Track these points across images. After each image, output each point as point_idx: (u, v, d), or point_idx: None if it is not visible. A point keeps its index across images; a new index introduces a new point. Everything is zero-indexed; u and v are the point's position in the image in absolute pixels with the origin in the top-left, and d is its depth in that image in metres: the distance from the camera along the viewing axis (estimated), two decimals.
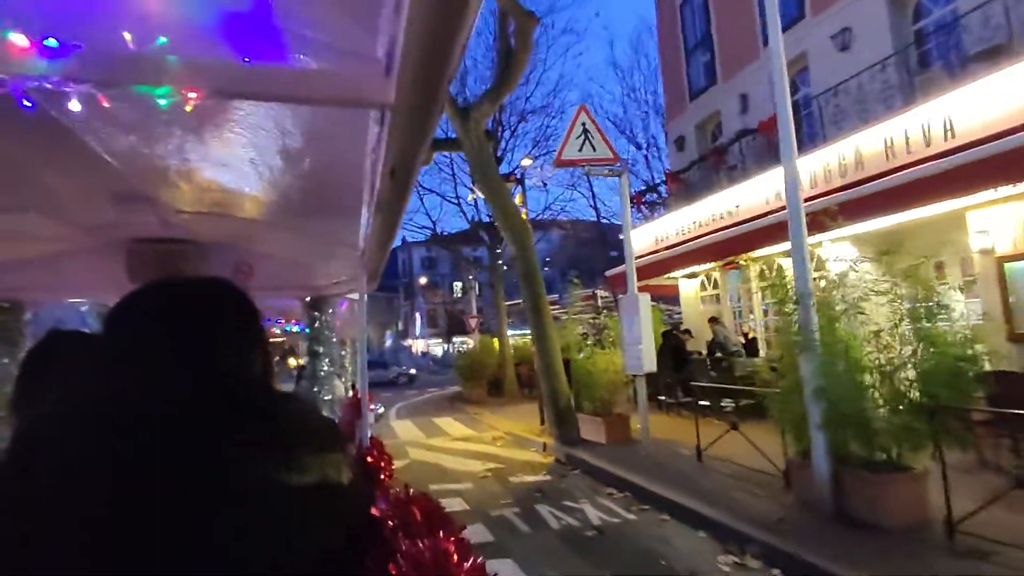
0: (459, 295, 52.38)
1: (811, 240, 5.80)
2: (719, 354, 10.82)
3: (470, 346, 19.46)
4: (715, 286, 14.29)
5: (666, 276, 13.45)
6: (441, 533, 1.17)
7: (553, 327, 10.26)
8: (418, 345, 49.08)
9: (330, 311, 4.04)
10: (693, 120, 16.92)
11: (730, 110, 15.20)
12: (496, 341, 19.86)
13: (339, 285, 3.58)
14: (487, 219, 20.39)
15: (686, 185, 15.78)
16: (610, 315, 12.66)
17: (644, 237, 15.26)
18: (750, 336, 11.76)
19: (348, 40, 1.14)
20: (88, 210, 2.64)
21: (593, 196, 26.63)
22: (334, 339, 4.25)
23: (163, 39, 1.02)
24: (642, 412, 8.43)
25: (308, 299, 3.79)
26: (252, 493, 0.76)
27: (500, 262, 20.46)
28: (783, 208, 8.61)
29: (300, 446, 0.84)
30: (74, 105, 1.02)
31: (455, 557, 1.09)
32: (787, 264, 6.02)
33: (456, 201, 21.96)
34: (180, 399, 0.77)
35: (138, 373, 0.78)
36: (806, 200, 8.25)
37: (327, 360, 4.08)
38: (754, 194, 11.32)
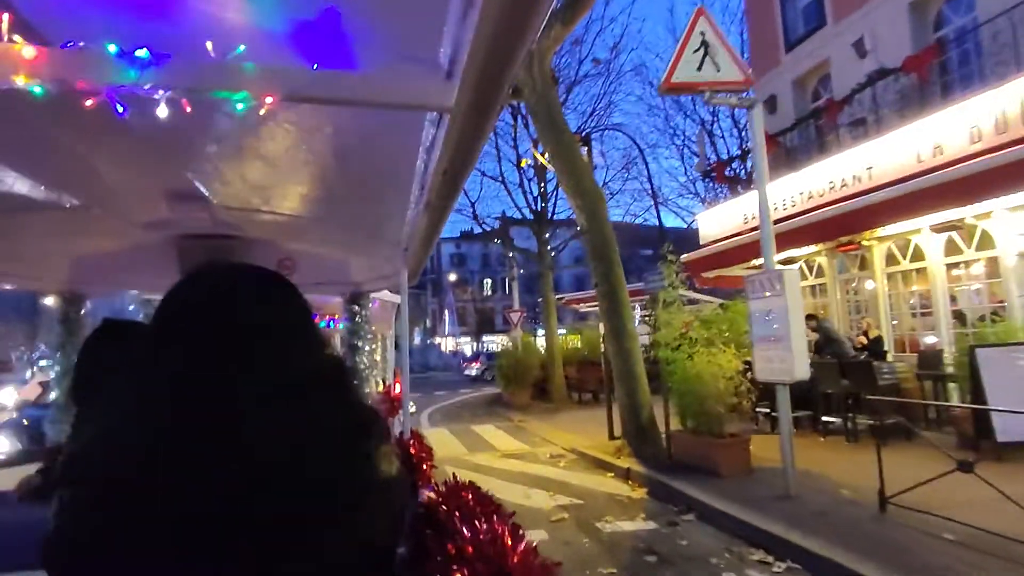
0: (489, 292, 52.39)
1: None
2: (830, 358, 8.75)
3: (509, 345, 17.03)
4: (818, 274, 11.79)
5: (748, 264, 11.05)
6: (495, 517, 1.23)
7: (633, 320, 8.46)
8: (447, 343, 49.14)
9: (368, 306, 4.16)
10: (790, 75, 14.17)
11: (843, 57, 12.27)
12: (538, 340, 18.34)
13: (379, 281, 3.68)
14: (535, 200, 18.48)
15: (785, 151, 13.05)
16: (700, 308, 11.31)
17: (724, 218, 13.00)
18: (872, 335, 9.63)
19: (412, 45, 1.21)
20: (144, 207, 2.78)
21: (650, 178, 21.18)
22: (370, 333, 4.37)
23: (241, 47, 1.10)
24: (785, 435, 5.76)
25: (348, 294, 3.91)
26: (323, 488, 0.77)
27: (549, 248, 18.38)
28: (948, 164, 7.34)
29: (360, 439, 0.85)
30: (162, 111, 1.11)
31: (509, 540, 1.15)
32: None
33: (500, 179, 19.11)
34: (250, 395, 0.76)
35: (200, 372, 0.77)
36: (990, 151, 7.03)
37: (364, 355, 4.19)
38: (896, 152, 8.93)
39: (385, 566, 0.92)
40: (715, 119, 23.67)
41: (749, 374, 6.63)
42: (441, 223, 2.20)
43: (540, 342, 19.01)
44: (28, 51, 1.02)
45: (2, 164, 1.89)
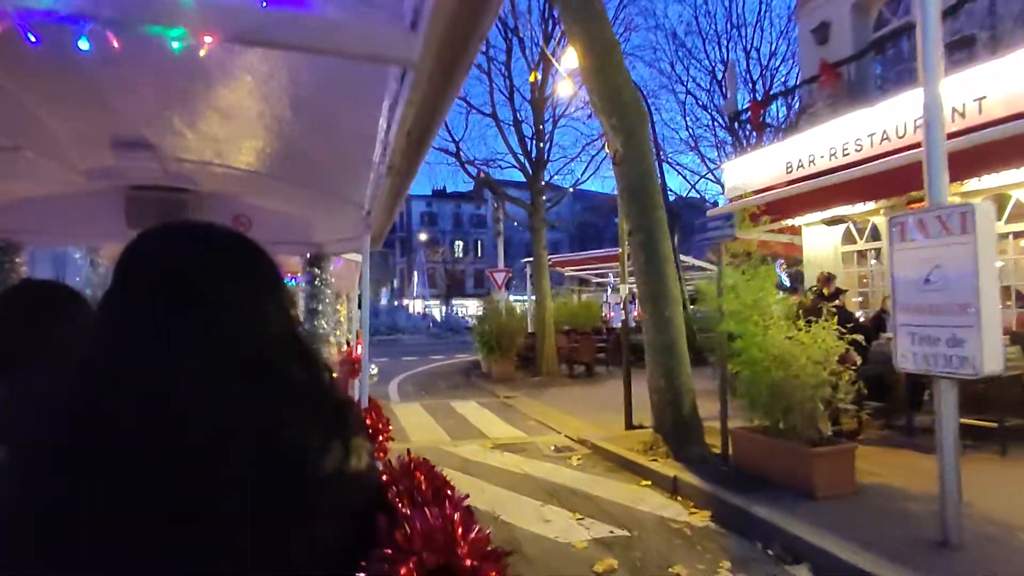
0: (460, 255, 52.02)
1: None
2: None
3: (488, 308, 15.07)
4: (873, 236, 9.67)
5: (782, 224, 9.34)
6: (446, 503, 1.18)
7: (677, 280, 6.64)
8: (416, 305, 48.84)
9: (329, 268, 4.03)
10: None
11: None
12: (524, 305, 16.13)
13: (341, 243, 3.55)
14: (530, 141, 15.79)
15: (844, 87, 10.75)
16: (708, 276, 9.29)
17: (761, 167, 10.65)
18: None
19: None
20: (87, 154, 2.59)
21: (654, 132, 16.84)
22: (331, 296, 4.25)
23: None
24: (949, 456, 3.84)
25: (308, 256, 3.77)
26: (298, 488, 0.72)
27: (545, 198, 15.99)
28: None
29: (336, 430, 0.80)
30: (83, 44, 0.97)
31: (460, 527, 1.10)
32: None
33: (491, 114, 16.01)
34: (198, 376, 0.71)
35: (143, 346, 0.71)
36: None
37: (324, 318, 4.08)
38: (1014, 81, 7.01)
39: (345, 564, 0.87)
40: (749, 56, 21.42)
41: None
42: (406, 186, 2.09)
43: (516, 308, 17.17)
44: None
45: None
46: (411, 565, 0.96)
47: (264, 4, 1.03)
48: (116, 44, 0.99)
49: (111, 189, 2.99)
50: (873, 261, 9.96)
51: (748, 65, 21.74)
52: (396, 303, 48.81)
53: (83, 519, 0.64)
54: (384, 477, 1.39)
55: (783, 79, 21.89)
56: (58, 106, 2.03)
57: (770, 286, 5.56)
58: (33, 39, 0.94)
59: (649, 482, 5.55)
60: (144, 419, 0.66)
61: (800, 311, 5.72)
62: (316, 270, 3.78)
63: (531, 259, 17.90)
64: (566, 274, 22.48)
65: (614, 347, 13.99)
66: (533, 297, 17.68)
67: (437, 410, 9.78)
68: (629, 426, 7.49)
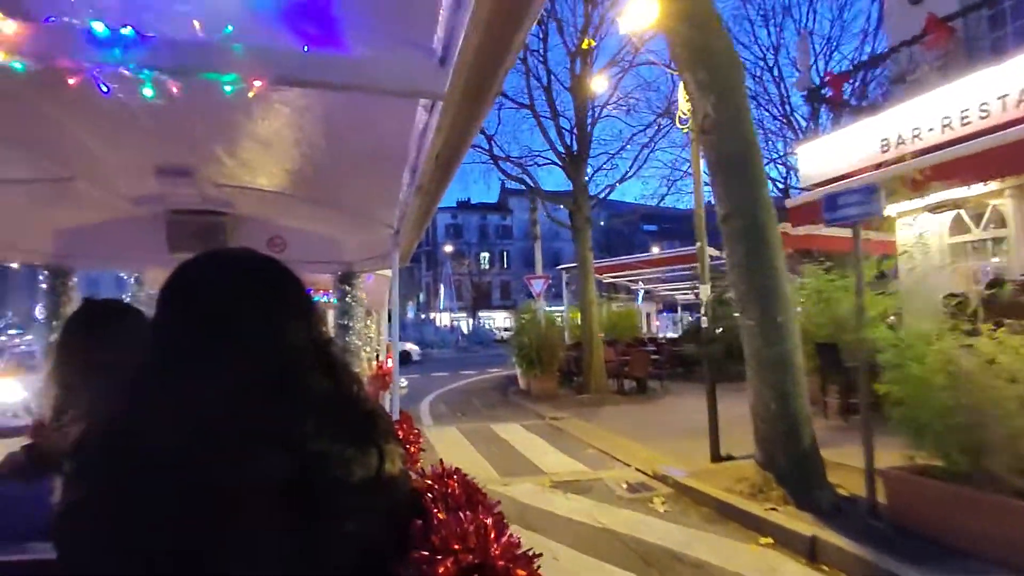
0: (486, 266, 52.06)
1: None
2: None
3: (530, 318, 13.71)
4: (999, 223, 8.28)
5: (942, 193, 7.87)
6: (479, 507, 1.25)
7: (787, 276, 5.44)
8: (443, 319, 48.85)
9: (360, 284, 4.16)
10: None
11: None
12: (560, 316, 14.92)
13: (371, 261, 3.68)
14: (570, 134, 14.42)
15: (958, 45, 9.24)
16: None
17: (842, 149, 9.34)
18: None
19: (405, 30, 1.19)
20: (133, 181, 2.76)
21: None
22: (362, 312, 4.38)
23: (229, 28, 1.09)
24: None
25: (339, 274, 3.90)
26: (327, 491, 0.80)
27: (590, 195, 14.39)
28: None
29: (369, 439, 0.88)
30: (147, 91, 1.09)
31: (493, 532, 1.17)
32: None
33: (528, 104, 14.65)
34: (227, 393, 0.80)
35: (191, 365, 0.81)
36: None
37: (355, 333, 4.20)
38: None
39: (382, 566, 0.94)
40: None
41: None
42: (433, 206, 2.20)
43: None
44: (8, 26, 1.00)
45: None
46: (448, 564, 1.04)
47: (305, 48, 1.14)
48: (175, 90, 1.10)
49: (153, 214, 3.17)
50: (994, 259, 8.41)
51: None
52: (423, 317, 49.03)
53: (130, 518, 0.73)
54: (419, 484, 1.47)
55: (842, 60, 20.55)
56: (110, 139, 2.18)
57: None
58: (105, 89, 1.06)
59: (771, 539, 4.30)
60: (180, 434, 0.75)
61: (977, 311, 4.69)
62: (347, 287, 3.90)
63: (566, 266, 16.74)
64: (604, 281, 20.89)
65: (668, 360, 13.37)
66: (568, 305, 16.61)
67: (477, 436, 8.68)
68: (716, 458, 6.24)
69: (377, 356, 8.72)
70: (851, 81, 14.54)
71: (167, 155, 2.49)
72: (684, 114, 6.95)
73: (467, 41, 1.06)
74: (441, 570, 1.02)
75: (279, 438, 0.79)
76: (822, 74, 17.36)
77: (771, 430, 5.00)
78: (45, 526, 0.80)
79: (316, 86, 1.25)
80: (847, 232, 4.89)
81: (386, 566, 1.00)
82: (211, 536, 0.74)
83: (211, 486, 0.74)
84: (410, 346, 26.15)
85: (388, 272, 6.53)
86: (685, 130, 7.04)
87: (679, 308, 23.53)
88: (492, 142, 15.41)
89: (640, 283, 19.88)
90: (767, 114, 20.58)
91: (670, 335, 19.60)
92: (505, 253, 53.39)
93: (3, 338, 30.93)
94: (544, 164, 16.28)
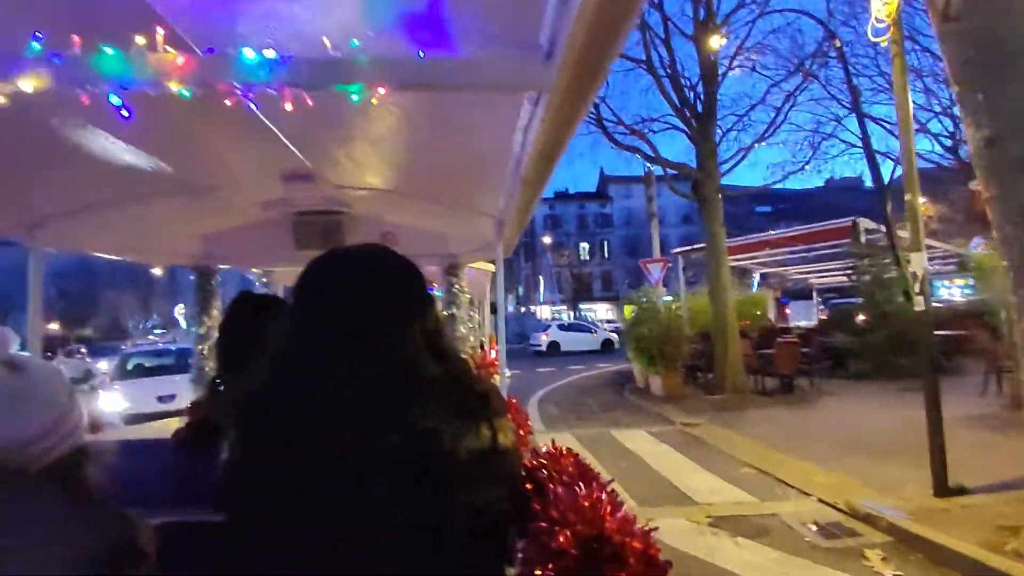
0: (587, 257, 51.47)
1: None
2: None
3: (649, 307, 12.31)
4: None
5: None
6: (593, 483, 1.32)
7: None
8: (543, 311, 48.87)
9: (464, 276, 4.35)
10: None
11: None
12: (678, 306, 13.27)
13: (475, 252, 3.83)
14: (692, 92, 12.41)
15: None
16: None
17: None
18: None
19: (512, 28, 1.27)
20: (263, 187, 3.07)
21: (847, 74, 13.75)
22: (466, 303, 4.58)
23: (355, 42, 1.21)
24: None
25: (446, 265, 4.10)
26: (439, 464, 0.89)
27: (718, 162, 12.11)
28: None
29: (479, 416, 0.96)
30: (288, 106, 1.25)
31: (608, 507, 1.23)
32: None
33: (644, 62, 12.35)
34: (348, 381, 0.90)
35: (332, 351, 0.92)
36: None
37: (461, 323, 4.40)
38: None
39: (498, 533, 1.03)
40: None
41: None
42: (536, 197, 2.28)
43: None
44: (179, 59, 1.18)
45: (148, 155, 2.17)
46: (566, 535, 1.11)
47: (421, 54, 1.25)
48: (310, 103, 1.25)
49: (281, 216, 3.51)
50: None
51: None
52: (523, 310, 49.44)
53: (274, 480, 0.86)
54: (533, 462, 1.56)
55: None
56: (247, 152, 2.46)
57: None
58: (254, 106, 1.23)
59: None
60: (313, 411, 0.87)
61: None
62: (453, 279, 4.10)
63: (684, 249, 14.57)
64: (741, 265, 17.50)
65: (819, 354, 11.21)
66: (682, 293, 14.58)
67: (599, 447, 7.26)
68: (944, 490, 4.46)
69: (481, 346, 9.00)
70: None
71: (293, 162, 2.76)
72: (879, 20, 5.29)
73: (573, 35, 1.11)
74: (561, 539, 1.09)
75: (394, 417, 0.89)
76: None
77: None
78: (211, 489, 0.96)
79: (432, 88, 1.36)
80: None
81: (503, 535, 1.09)
82: (336, 504, 0.84)
83: (339, 457, 0.85)
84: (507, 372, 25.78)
85: (487, 265, 6.74)
86: (883, 41, 5.50)
87: (814, 293, 20.44)
88: (601, 106, 12.77)
89: (758, 267, 17.73)
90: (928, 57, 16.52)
91: (801, 323, 17.17)
92: (605, 242, 52.60)
93: (151, 337, 35.13)
94: (661, 130, 13.78)
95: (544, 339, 28.03)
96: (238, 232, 3.34)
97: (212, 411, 1.59)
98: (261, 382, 0.94)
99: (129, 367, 11.68)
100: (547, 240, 48.03)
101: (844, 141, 16.59)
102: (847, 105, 15.48)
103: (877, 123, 16.54)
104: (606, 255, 52.31)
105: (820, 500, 4.88)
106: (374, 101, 1.28)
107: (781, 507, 4.84)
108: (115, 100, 1.22)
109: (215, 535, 0.86)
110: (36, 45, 1.19)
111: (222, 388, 1.59)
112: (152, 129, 1.92)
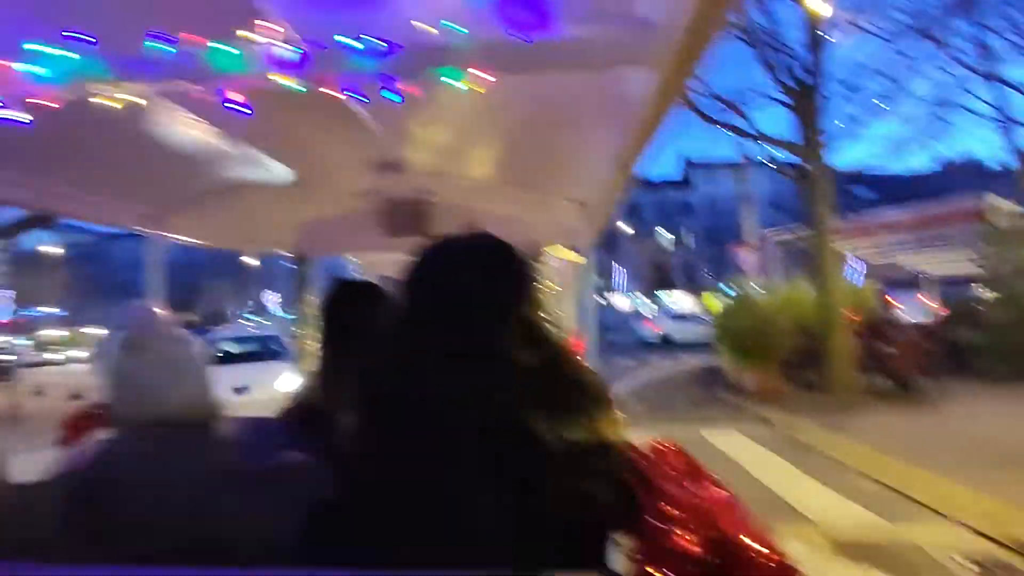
0: (669, 247, 50.25)
1: None
2: None
3: (742, 297, 11.52)
4: None
5: None
6: (705, 481, 1.26)
7: None
8: (622, 301, 47.99)
9: (548, 265, 4.33)
10: None
11: None
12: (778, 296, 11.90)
13: (562, 240, 3.81)
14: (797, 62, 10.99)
15: None
16: None
17: None
18: None
19: (615, 3, 1.22)
20: (355, 177, 3.18)
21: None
22: (553, 291, 4.56)
23: (463, 29, 1.21)
24: None
25: (532, 253, 4.10)
26: (533, 455, 0.89)
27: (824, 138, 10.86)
28: None
29: (575, 407, 0.96)
30: (394, 97, 1.27)
31: (734, 510, 1.17)
32: None
33: (743, 33, 11.19)
34: (444, 369, 0.92)
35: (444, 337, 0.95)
36: None
37: (547, 312, 4.39)
38: None
39: (598, 527, 1.01)
40: None
41: None
42: (630, 180, 2.21)
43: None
44: (293, 55, 1.22)
45: (254, 148, 2.29)
46: (689, 537, 1.06)
47: (526, 37, 1.23)
48: (418, 93, 1.27)
49: (372, 205, 3.62)
50: None
51: None
52: (602, 299, 48.68)
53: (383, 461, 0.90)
54: (637, 455, 1.52)
55: None
56: (342, 142, 2.54)
57: None
58: (358, 98, 1.26)
59: None
60: (433, 407, 0.89)
61: None
62: (539, 266, 4.09)
63: (781, 235, 13.10)
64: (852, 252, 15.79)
65: (942, 352, 10.28)
66: (777, 282, 13.02)
67: (687, 448, 6.72)
68: None
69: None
70: None
71: (384, 151, 2.83)
72: None
73: (675, 8, 1.06)
74: (683, 542, 1.05)
75: (488, 406, 0.90)
76: None
77: None
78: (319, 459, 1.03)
79: (538, 71, 1.34)
80: None
81: (605, 529, 1.06)
82: (457, 495, 0.86)
83: (441, 442, 0.88)
84: None
85: (571, 254, 6.67)
86: None
87: (925, 283, 18.02)
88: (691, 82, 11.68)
89: (866, 254, 16.56)
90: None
91: (912, 317, 15.18)
92: (687, 231, 51.02)
93: (241, 322, 37.39)
94: (757, 107, 12.68)
95: (653, 331, 26.51)
96: (332, 220, 3.48)
97: (318, 394, 1.65)
98: (380, 371, 0.98)
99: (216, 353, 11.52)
100: (627, 229, 47.02)
101: (972, 111, 14.79)
102: (974, 68, 13.63)
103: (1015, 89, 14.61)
104: (687, 244, 50.81)
105: (966, 526, 4.00)
106: (481, 89, 1.27)
107: (918, 533, 4.04)
108: (237, 96, 1.28)
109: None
110: (153, 43, 1.26)
111: (330, 372, 1.65)
112: (256, 123, 2.02)
